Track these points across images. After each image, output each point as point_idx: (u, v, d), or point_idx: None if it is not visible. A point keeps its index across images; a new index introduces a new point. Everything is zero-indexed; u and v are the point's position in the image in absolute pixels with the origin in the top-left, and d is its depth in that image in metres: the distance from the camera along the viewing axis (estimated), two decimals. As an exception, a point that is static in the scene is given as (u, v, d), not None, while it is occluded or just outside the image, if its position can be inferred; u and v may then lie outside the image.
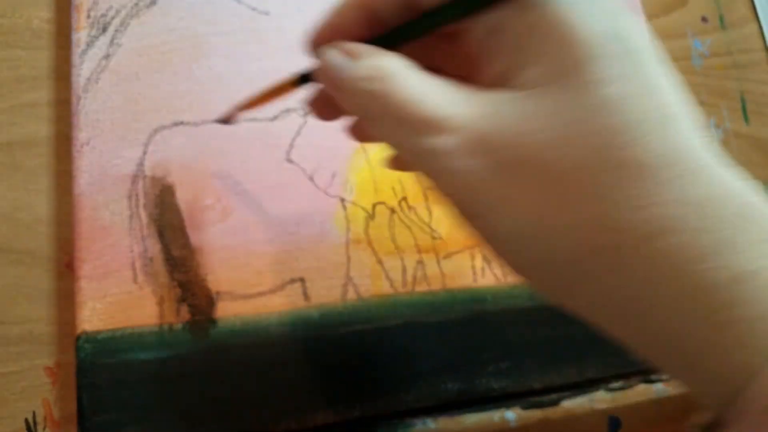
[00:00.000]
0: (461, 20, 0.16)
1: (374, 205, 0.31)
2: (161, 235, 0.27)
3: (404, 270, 0.31)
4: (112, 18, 0.29)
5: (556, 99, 0.14)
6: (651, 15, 0.47)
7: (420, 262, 0.31)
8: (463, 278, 0.32)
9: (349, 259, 0.30)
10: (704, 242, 0.13)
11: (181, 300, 0.27)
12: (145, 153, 0.28)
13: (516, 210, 0.15)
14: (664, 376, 0.33)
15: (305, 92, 0.22)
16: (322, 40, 0.19)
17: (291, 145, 0.30)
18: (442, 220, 0.32)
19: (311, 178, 0.30)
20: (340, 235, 0.30)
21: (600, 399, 0.32)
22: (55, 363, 0.26)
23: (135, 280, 0.26)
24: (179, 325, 0.26)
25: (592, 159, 0.14)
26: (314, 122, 0.32)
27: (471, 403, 0.30)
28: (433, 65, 0.17)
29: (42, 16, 0.30)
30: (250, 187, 0.29)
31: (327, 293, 0.29)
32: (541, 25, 0.15)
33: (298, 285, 0.29)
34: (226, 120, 0.27)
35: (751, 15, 0.55)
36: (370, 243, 0.30)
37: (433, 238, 0.32)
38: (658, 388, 0.33)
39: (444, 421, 0.29)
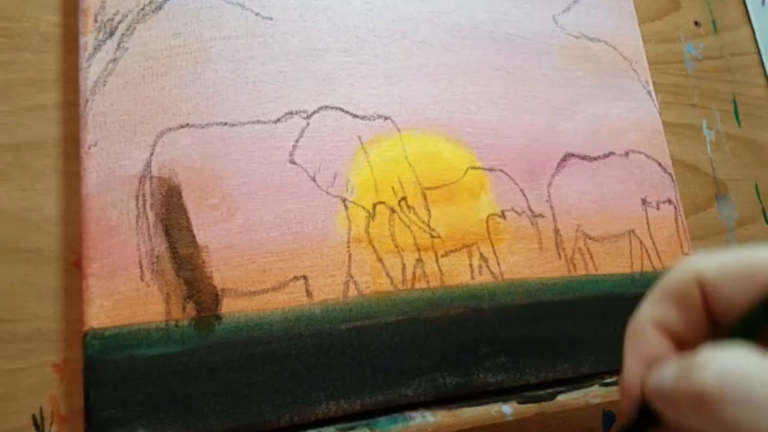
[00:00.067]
0: None
1: (375, 205, 0.32)
2: (168, 234, 0.28)
3: (404, 268, 0.31)
4: (119, 22, 0.29)
5: None
6: (645, 19, 0.48)
7: (419, 260, 0.32)
8: (461, 276, 0.32)
9: (350, 257, 0.30)
10: None
11: (187, 297, 0.27)
12: (152, 154, 0.28)
13: None
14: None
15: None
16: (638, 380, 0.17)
17: (294, 147, 0.31)
18: (441, 219, 0.33)
19: (314, 179, 0.31)
20: (342, 234, 0.31)
21: (594, 394, 0.33)
22: (62, 359, 0.26)
23: (142, 277, 0.27)
24: (185, 322, 0.27)
25: None
26: (317, 124, 0.33)
27: (469, 397, 0.31)
28: None
29: (50, 20, 0.30)
30: (255, 188, 0.29)
31: (329, 290, 0.29)
32: None
33: (300, 282, 0.29)
34: None
35: (743, 19, 0.55)
36: (370, 241, 0.31)
37: (432, 236, 0.33)
38: (651, 384, 0.34)
39: (442, 415, 0.30)
